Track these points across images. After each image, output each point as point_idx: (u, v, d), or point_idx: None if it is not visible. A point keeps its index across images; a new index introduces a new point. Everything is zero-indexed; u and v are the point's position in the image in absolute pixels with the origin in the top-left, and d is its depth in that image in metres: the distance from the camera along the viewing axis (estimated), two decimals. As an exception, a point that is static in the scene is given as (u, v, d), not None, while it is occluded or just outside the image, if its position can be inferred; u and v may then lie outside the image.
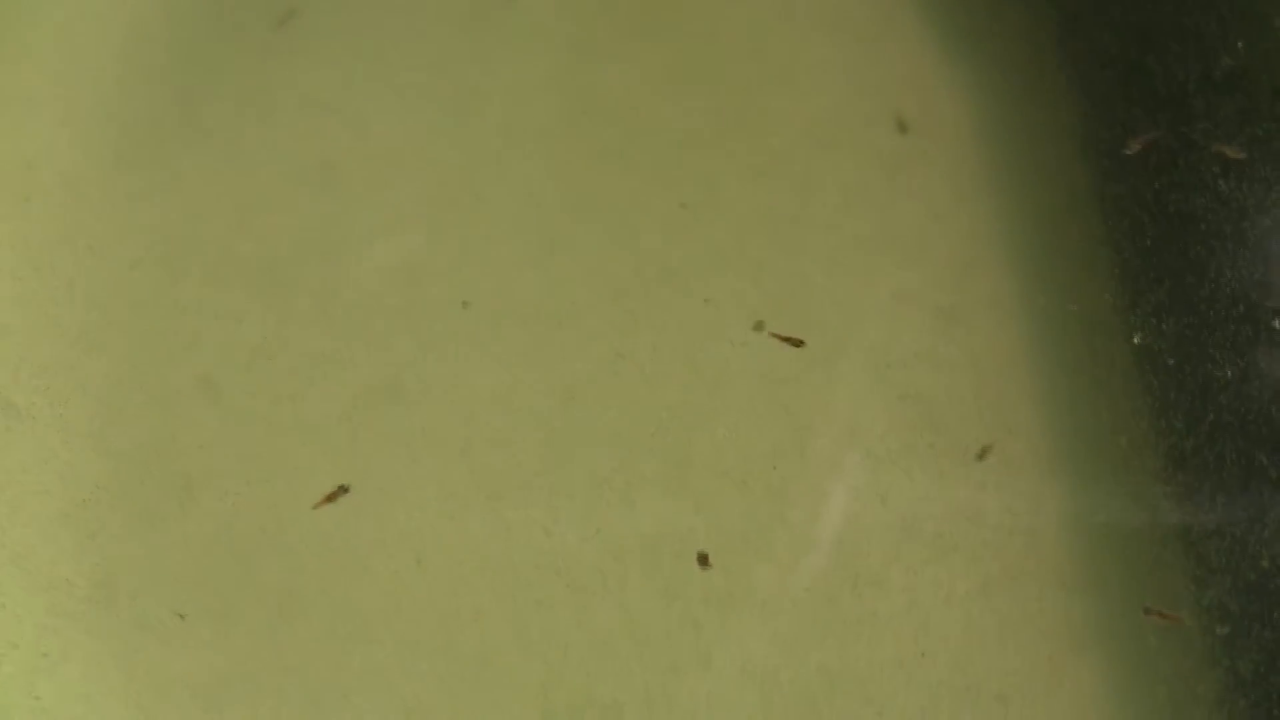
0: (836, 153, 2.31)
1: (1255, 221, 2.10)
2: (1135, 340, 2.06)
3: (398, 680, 2.01)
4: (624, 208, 2.32)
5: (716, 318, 2.22)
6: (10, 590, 2.02)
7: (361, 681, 2.01)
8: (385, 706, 1.99)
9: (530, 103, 2.41)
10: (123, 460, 2.12)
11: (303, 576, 2.06)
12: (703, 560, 1.98)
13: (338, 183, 2.39)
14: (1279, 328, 2.03)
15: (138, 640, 2.00)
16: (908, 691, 1.96)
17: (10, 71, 2.44)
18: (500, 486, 2.12)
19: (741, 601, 2.02)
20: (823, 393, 2.14)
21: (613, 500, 2.10)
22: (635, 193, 2.33)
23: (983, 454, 2.06)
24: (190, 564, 2.06)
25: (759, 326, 2.05)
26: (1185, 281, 2.08)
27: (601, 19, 2.48)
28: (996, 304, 2.17)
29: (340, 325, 2.25)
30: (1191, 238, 2.10)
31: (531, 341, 2.23)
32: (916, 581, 2.02)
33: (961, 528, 2.03)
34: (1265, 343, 2.02)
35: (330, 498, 2.09)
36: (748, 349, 2.18)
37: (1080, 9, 2.29)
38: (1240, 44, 2.18)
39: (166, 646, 2.00)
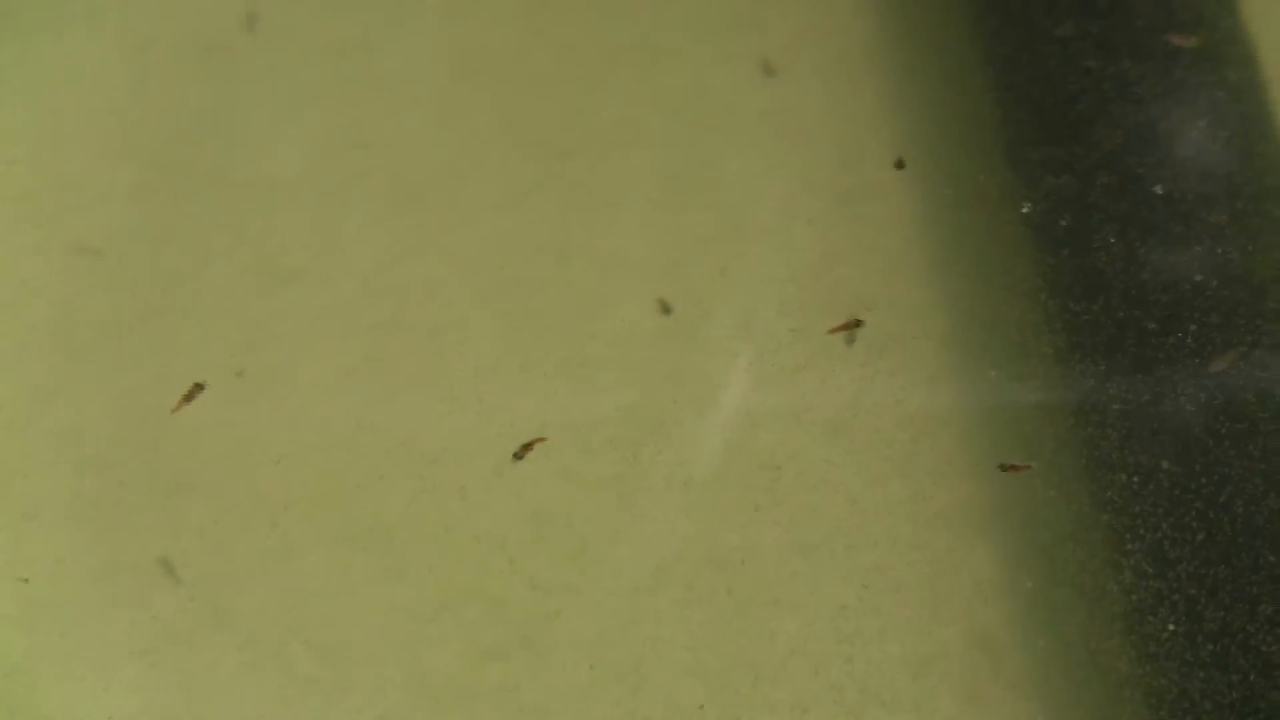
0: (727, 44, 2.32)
1: (1138, 88, 2.16)
2: (1024, 210, 2.11)
3: (288, 563, 1.99)
4: (520, 81, 2.31)
5: (614, 201, 2.22)
6: None
7: (249, 565, 1.99)
8: (277, 589, 1.98)
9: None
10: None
11: (195, 462, 2.05)
12: (520, 453, 1.99)
13: (232, 68, 2.34)
14: (1159, 194, 2.09)
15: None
16: (802, 579, 1.96)
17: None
18: (391, 369, 2.10)
19: (636, 488, 2.02)
20: (714, 281, 2.15)
21: (505, 386, 2.08)
22: (531, 72, 2.32)
23: (869, 340, 2.08)
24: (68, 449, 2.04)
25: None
26: (1073, 150, 2.14)
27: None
28: (887, 188, 2.20)
29: (234, 207, 2.22)
30: (1079, 106, 2.16)
31: (425, 223, 2.22)
32: (808, 468, 2.02)
33: (852, 414, 2.04)
34: (1147, 210, 2.08)
35: (188, 397, 2.06)
36: (641, 238, 2.18)
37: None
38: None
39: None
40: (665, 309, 2.11)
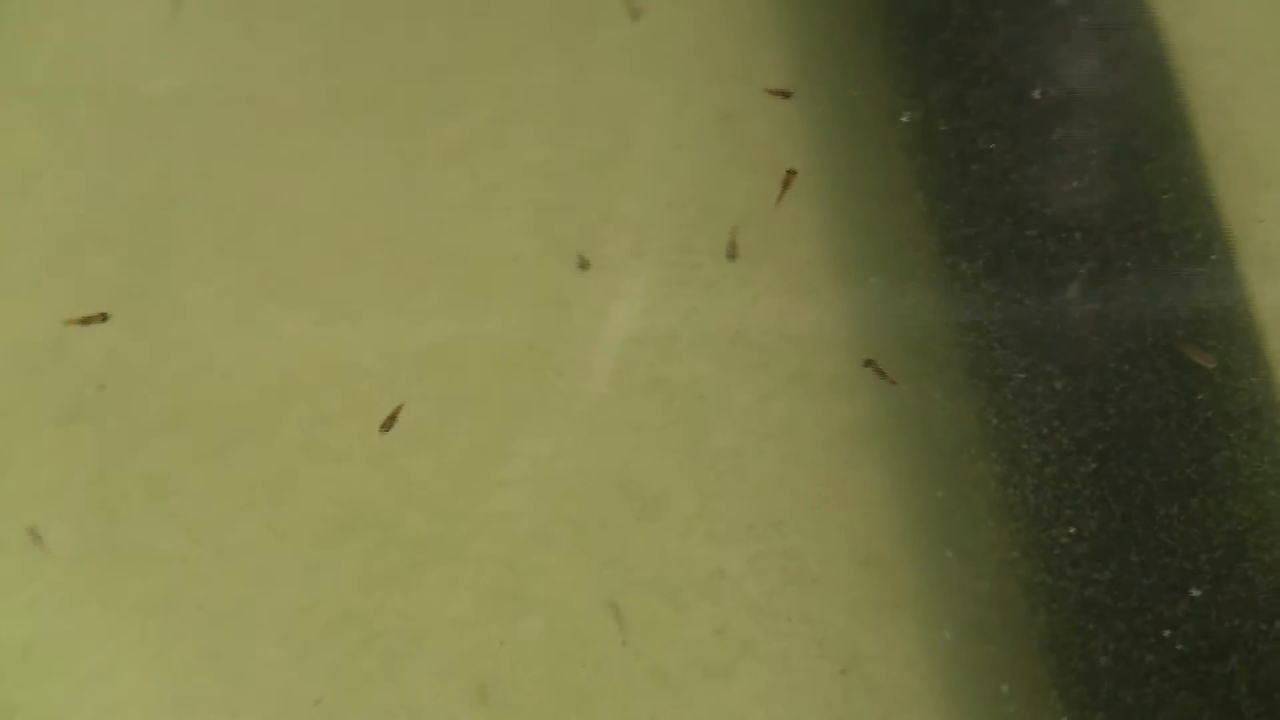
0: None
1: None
2: (904, 119, 2.07)
3: (180, 488, 1.98)
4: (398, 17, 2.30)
5: (498, 138, 2.19)
6: None
7: (144, 489, 1.98)
8: (165, 513, 1.96)
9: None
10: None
11: (84, 390, 2.04)
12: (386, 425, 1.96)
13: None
14: (1038, 99, 2.06)
15: None
16: (692, 494, 1.93)
17: None
18: (288, 293, 2.09)
19: (527, 411, 2.00)
20: (602, 200, 2.12)
21: (402, 309, 2.07)
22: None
23: (744, 256, 2.05)
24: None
25: None
26: (953, 60, 2.11)
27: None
28: (772, 106, 2.17)
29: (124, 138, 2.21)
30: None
31: (319, 144, 2.20)
32: (701, 388, 1.99)
33: (739, 334, 2.02)
34: (1030, 115, 2.05)
35: (85, 320, 2.02)
36: (526, 166, 2.16)
37: None
38: None
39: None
40: (548, 238, 2.09)
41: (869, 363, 1.97)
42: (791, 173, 2.08)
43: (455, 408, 2.00)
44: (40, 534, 1.96)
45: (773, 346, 2.00)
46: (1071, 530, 1.79)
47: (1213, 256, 1.92)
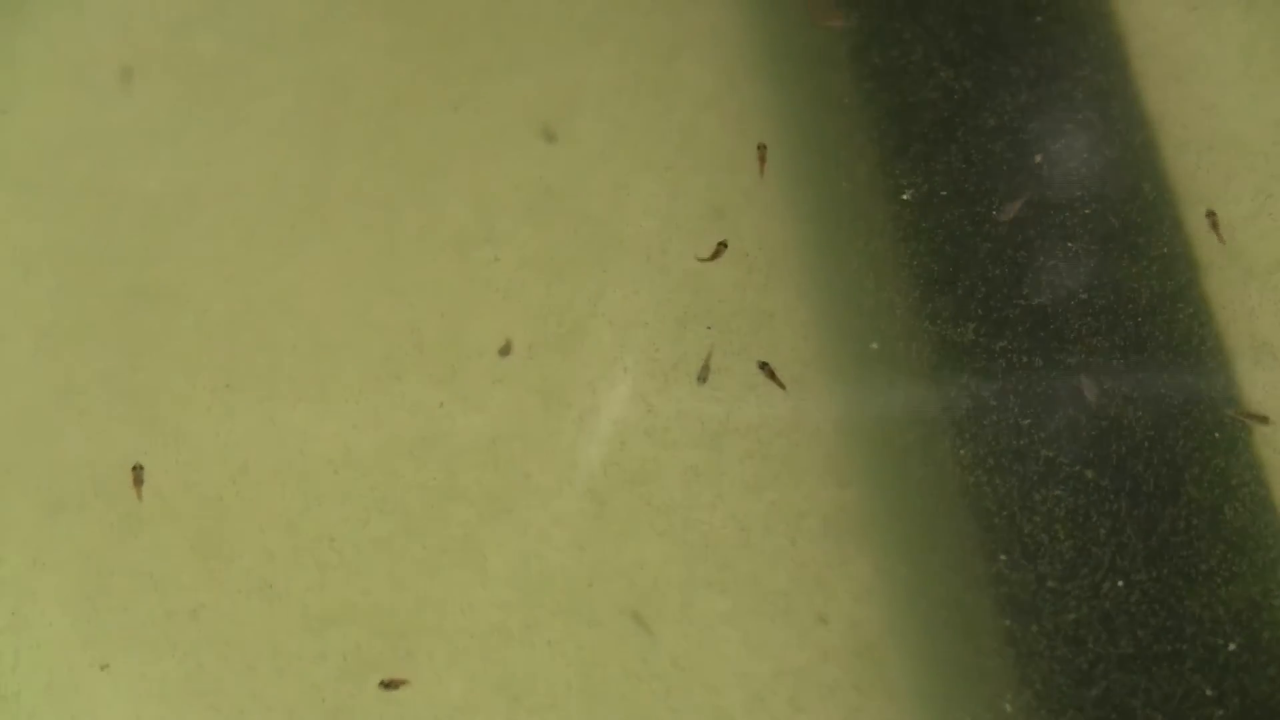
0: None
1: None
2: (904, 197, 2.08)
3: (167, 577, 1.98)
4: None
5: (484, 219, 2.19)
6: None
7: (130, 578, 1.98)
8: (151, 602, 1.97)
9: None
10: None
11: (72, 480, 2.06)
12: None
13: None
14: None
15: None
16: (676, 586, 1.94)
17: None
18: (270, 385, 2.08)
19: (512, 502, 2.00)
20: (595, 292, 2.12)
21: (387, 400, 2.06)
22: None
23: (729, 350, 2.06)
24: None
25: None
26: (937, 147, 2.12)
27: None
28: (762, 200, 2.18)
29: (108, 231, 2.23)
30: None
31: (299, 235, 2.19)
32: (688, 480, 2.00)
33: (729, 427, 2.02)
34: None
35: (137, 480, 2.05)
36: (509, 261, 2.15)
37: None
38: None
39: None
40: (533, 328, 2.09)
41: (763, 365, 2.01)
42: (762, 147, 2.15)
43: (438, 495, 2.00)
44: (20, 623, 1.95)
45: (765, 439, 2.00)
46: (1070, 618, 1.81)
47: (1202, 345, 1.95)
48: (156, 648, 1.94)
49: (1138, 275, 1.99)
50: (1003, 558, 1.85)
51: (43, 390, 2.10)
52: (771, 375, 2.01)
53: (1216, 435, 1.88)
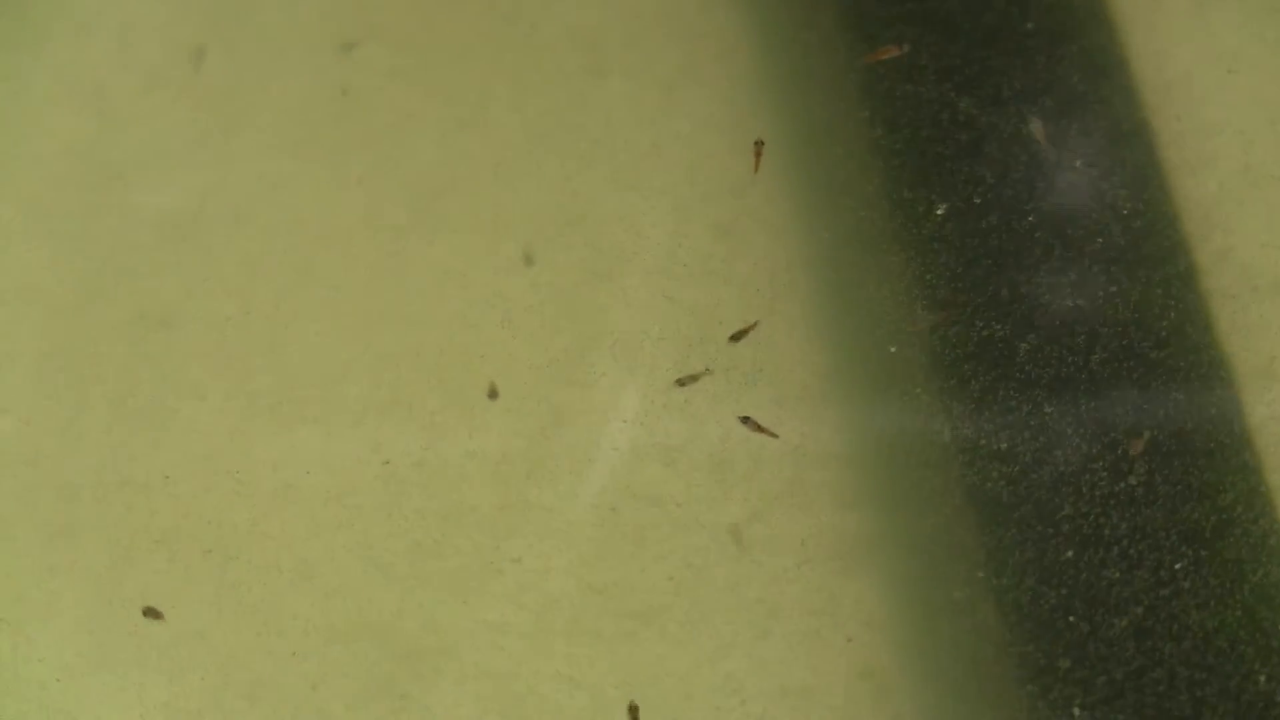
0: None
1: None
2: (911, 214, 2.08)
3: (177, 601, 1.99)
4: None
5: (491, 241, 2.20)
6: None
7: (139, 603, 1.99)
8: (160, 626, 1.97)
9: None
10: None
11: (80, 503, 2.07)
12: None
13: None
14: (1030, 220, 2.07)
15: None
16: (679, 606, 1.95)
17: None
18: (280, 408, 2.09)
19: (519, 521, 2.01)
20: (603, 313, 2.13)
21: (396, 423, 2.07)
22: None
23: (755, 375, 2.07)
24: None
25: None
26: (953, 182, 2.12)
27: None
28: (770, 221, 2.19)
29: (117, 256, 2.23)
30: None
31: (306, 260, 2.20)
32: (691, 498, 2.00)
33: (734, 447, 2.02)
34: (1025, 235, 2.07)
35: None
36: (524, 274, 2.16)
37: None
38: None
39: None
40: (540, 351, 2.10)
41: (745, 419, 2.01)
42: (759, 143, 2.16)
43: (445, 517, 2.01)
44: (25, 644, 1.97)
45: (770, 460, 2.01)
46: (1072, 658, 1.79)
47: (1208, 371, 1.94)
48: (157, 670, 1.96)
49: (1145, 292, 1.99)
50: (1011, 582, 1.85)
51: (49, 412, 2.11)
52: (758, 427, 2.01)
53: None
